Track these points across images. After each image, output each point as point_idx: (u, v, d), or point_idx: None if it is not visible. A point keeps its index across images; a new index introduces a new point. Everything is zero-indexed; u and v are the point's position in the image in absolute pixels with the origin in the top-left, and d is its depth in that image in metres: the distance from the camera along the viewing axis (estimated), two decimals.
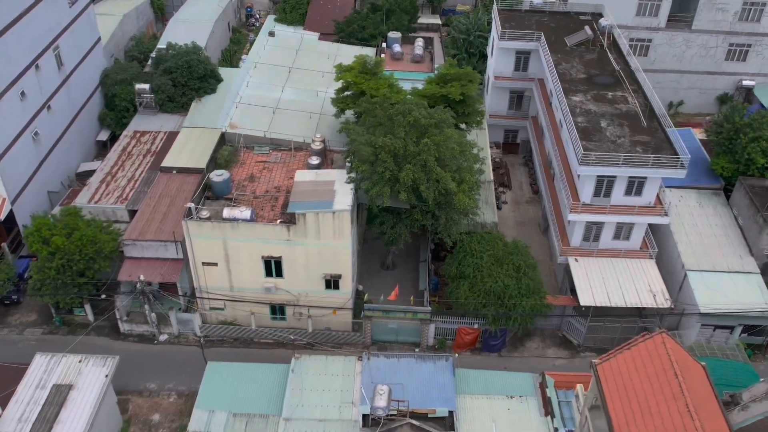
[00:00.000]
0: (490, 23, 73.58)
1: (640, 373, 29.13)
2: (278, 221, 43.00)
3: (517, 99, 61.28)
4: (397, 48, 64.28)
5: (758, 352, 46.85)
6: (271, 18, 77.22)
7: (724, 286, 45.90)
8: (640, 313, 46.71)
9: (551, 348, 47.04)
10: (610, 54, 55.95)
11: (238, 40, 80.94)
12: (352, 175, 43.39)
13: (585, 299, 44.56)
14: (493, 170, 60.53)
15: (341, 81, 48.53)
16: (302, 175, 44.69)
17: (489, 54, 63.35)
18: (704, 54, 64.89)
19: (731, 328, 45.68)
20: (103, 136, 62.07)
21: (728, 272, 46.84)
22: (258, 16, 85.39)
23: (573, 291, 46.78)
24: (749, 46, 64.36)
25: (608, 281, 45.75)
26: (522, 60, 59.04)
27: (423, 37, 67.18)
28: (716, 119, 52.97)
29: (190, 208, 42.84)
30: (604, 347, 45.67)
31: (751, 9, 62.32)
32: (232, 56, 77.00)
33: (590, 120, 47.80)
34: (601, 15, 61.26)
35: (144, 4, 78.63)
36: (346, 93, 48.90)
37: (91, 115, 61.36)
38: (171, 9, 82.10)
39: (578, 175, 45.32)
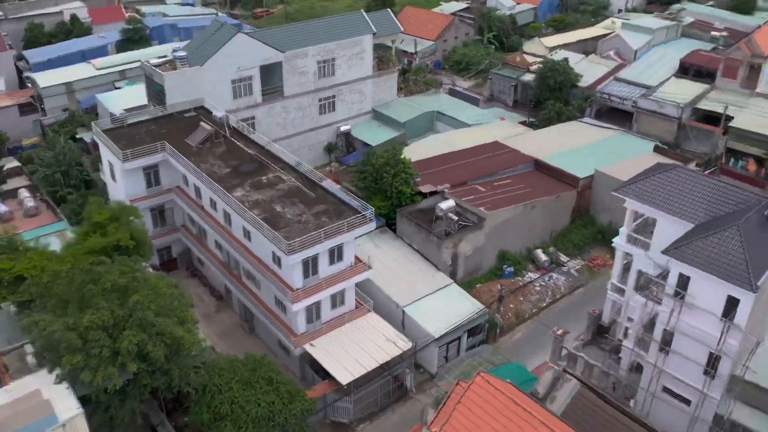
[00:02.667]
0: (83, 150, 68.09)
1: (485, 417, 30.00)
2: None
3: (160, 214, 57.32)
4: (2, 208, 54.51)
5: (486, 341, 52.14)
6: None
7: (437, 306, 50.05)
8: (387, 364, 47.89)
9: None
10: (237, 142, 56.14)
11: None
12: (59, 371, 35.47)
13: (343, 377, 44.04)
14: None
15: None
16: None
17: (111, 179, 57.91)
18: (302, 115, 69.62)
19: (458, 339, 50.12)
20: None
21: (432, 293, 51.24)
22: None
23: (322, 375, 46.11)
24: (334, 96, 71.19)
25: (350, 350, 45.94)
26: (152, 175, 55.43)
27: (26, 187, 58.30)
28: (358, 167, 57.32)
29: None
30: (373, 411, 46.39)
31: (324, 66, 68.92)
32: None
33: (265, 209, 47.24)
34: (203, 107, 61.05)
35: None
36: None
37: None
38: None
39: (289, 265, 44.44)
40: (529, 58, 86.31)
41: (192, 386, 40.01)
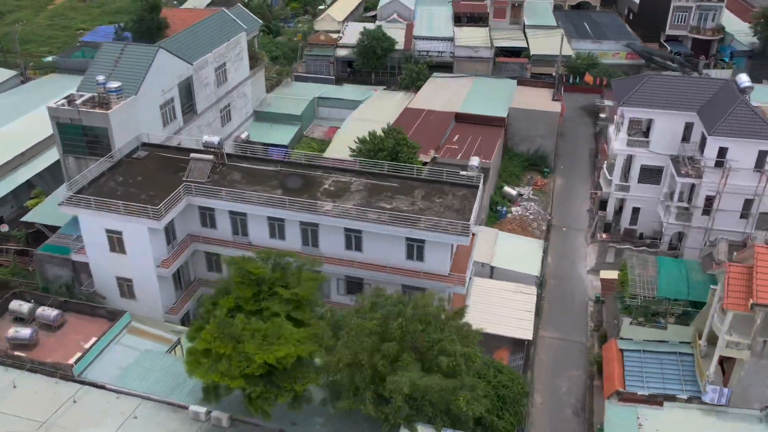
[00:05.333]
0: None
1: None
2: None
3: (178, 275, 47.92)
4: (25, 332, 39.43)
5: None
6: None
7: (510, 253, 53.72)
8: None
9: None
10: (240, 164, 49.92)
11: None
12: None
13: (525, 334, 45.74)
14: None
15: None
16: None
17: (107, 254, 45.67)
18: (210, 131, 62.22)
19: None
20: None
21: (493, 244, 54.34)
22: None
23: None
24: (229, 105, 65.15)
25: (496, 312, 47.11)
26: (170, 229, 45.94)
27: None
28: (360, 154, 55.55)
29: None
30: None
31: (220, 73, 62.58)
32: None
33: (378, 209, 44.37)
34: (145, 144, 51.48)
35: None
36: None
37: None
38: None
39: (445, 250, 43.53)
40: (331, 35, 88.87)
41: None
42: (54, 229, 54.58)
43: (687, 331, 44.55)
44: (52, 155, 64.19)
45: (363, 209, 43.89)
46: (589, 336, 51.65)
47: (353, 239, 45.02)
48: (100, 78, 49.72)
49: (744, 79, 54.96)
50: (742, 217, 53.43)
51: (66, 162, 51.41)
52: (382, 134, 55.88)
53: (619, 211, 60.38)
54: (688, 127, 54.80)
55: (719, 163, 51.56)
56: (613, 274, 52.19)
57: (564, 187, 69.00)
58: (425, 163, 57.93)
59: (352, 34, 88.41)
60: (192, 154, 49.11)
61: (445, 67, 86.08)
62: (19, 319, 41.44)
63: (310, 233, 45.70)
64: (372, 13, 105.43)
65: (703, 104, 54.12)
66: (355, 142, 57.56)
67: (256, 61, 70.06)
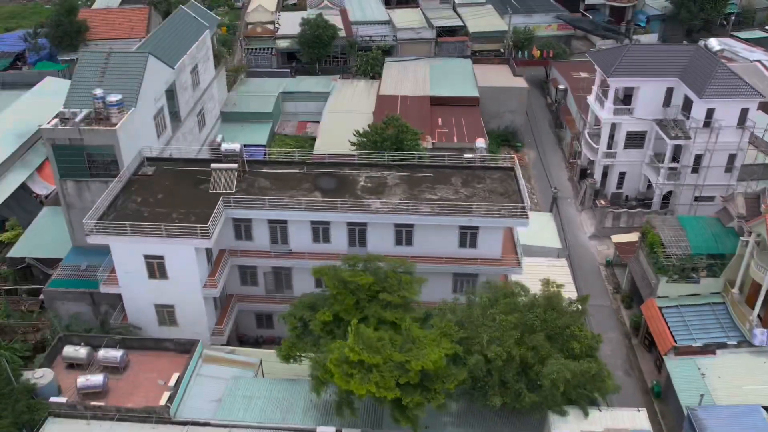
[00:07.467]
0: None
1: None
2: None
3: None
4: (94, 380, 35.59)
5: None
6: None
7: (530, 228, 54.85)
8: None
9: None
10: (263, 168, 47.69)
11: None
12: None
13: None
14: None
15: None
16: None
17: (142, 283, 42.19)
18: (192, 139, 58.88)
19: None
20: None
21: None
22: None
23: None
24: (203, 109, 61.47)
25: None
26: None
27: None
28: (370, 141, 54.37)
29: None
30: None
31: (194, 75, 58.80)
32: None
33: (429, 201, 44.00)
34: (147, 159, 47.99)
35: None
36: None
37: None
38: None
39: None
40: (267, 26, 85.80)
41: None
42: (48, 262, 49.90)
43: (717, 283, 47.62)
44: (14, 179, 58.69)
45: (418, 203, 43.38)
46: (612, 299, 54.12)
47: (404, 234, 44.41)
48: (98, 91, 45.40)
49: (714, 43, 58.99)
50: (726, 171, 57.68)
51: (64, 187, 46.69)
52: (383, 124, 55.23)
53: (603, 177, 63.26)
54: (668, 92, 58.26)
55: (707, 124, 55.28)
56: (625, 238, 54.96)
57: (537, 160, 71.16)
58: (426, 150, 57.88)
59: (288, 24, 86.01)
60: (213, 165, 46.29)
61: (385, 52, 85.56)
62: (74, 366, 37.59)
63: (357, 233, 44.55)
64: (293, 1, 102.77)
65: (682, 69, 57.56)
66: (355, 135, 56.50)
67: (218, 59, 66.47)
